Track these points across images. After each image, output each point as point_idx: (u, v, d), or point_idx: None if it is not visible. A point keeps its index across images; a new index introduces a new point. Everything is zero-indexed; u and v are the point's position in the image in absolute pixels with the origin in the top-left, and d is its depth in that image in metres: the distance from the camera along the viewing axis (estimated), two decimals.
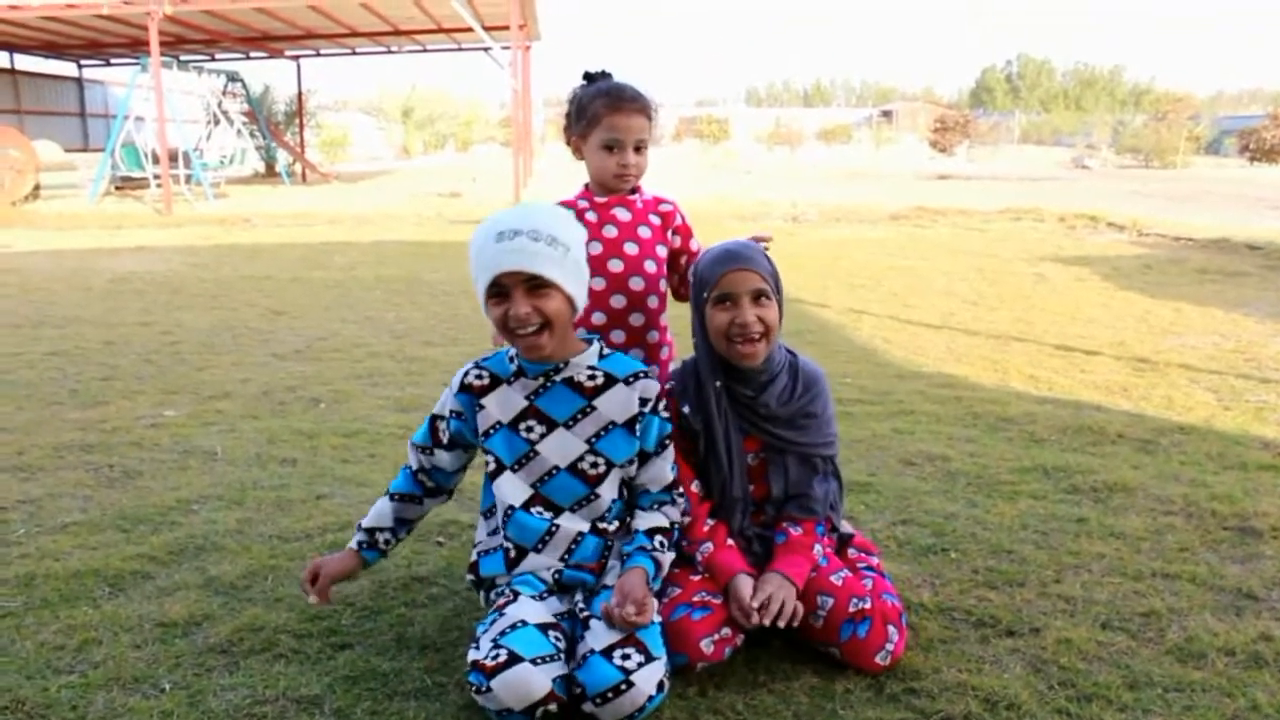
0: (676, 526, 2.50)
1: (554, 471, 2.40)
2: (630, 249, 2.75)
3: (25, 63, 29.09)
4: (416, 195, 20.94)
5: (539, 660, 2.12)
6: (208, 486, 3.74)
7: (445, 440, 2.51)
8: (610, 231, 2.76)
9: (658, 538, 2.43)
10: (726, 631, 2.40)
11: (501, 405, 2.41)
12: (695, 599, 2.43)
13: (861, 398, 4.99)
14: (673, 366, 2.84)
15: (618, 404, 2.39)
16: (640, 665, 2.15)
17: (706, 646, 2.35)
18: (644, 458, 2.44)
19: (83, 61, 30.18)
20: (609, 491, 2.42)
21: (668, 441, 2.46)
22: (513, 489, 2.41)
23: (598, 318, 2.75)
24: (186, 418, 4.68)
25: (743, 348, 2.46)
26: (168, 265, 10.50)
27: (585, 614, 2.30)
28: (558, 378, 2.38)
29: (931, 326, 7.03)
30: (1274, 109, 43.15)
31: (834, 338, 6.63)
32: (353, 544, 2.56)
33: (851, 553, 2.69)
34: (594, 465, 2.40)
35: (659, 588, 2.43)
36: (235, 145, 24.93)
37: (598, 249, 2.74)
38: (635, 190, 2.83)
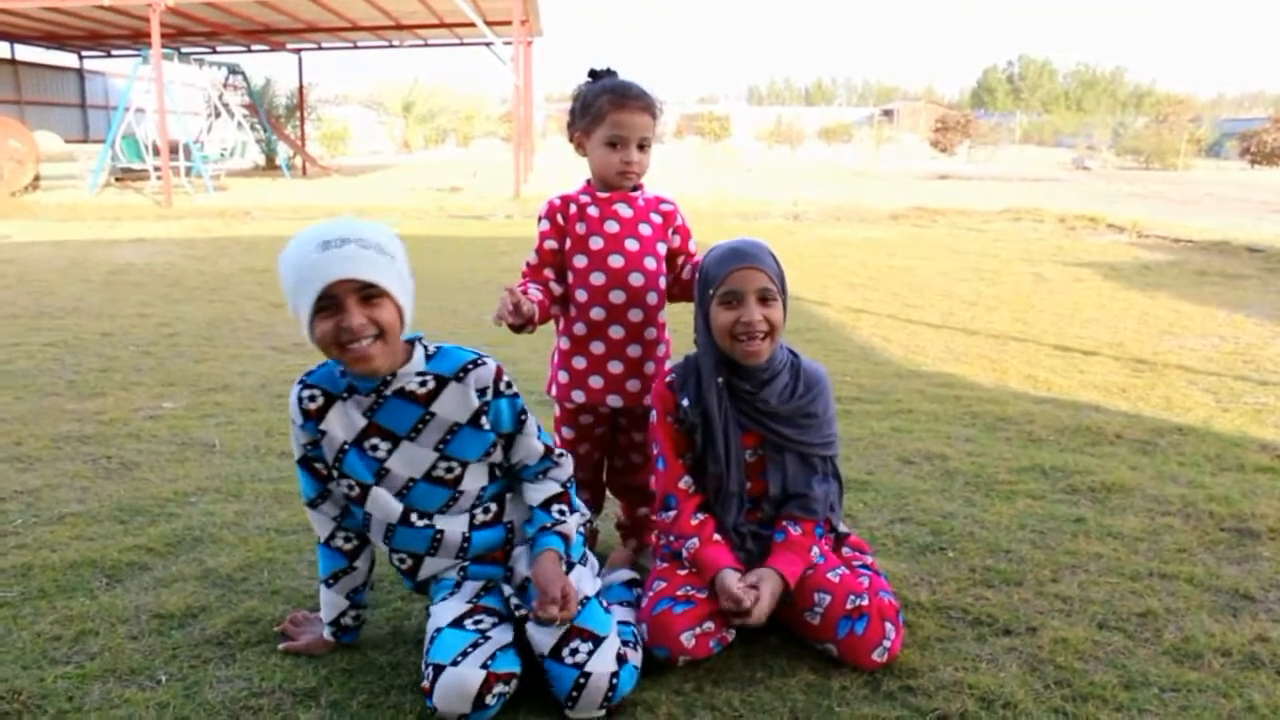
0: (570, 484, 2.46)
1: (410, 484, 2.33)
2: (631, 245, 2.75)
3: (26, 53, 29.12)
4: (416, 189, 20.93)
5: (460, 657, 2.12)
6: (205, 478, 3.74)
7: (324, 471, 2.37)
8: (612, 227, 2.76)
9: (555, 506, 2.39)
10: (710, 625, 2.40)
11: (343, 424, 2.28)
12: (679, 593, 2.44)
13: (860, 396, 4.99)
14: (669, 364, 2.85)
15: (455, 404, 2.29)
16: (590, 653, 2.16)
17: (687, 640, 2.35)
18: (509, 440, 2.38)
19: (84, 52, 30.20)
20: (473, 484, 2.37)
21: (524, 417, 2.38)
22: (384, 506, 2.33)
23: (597, 313, 2.75)
24: (185, 410, 4.68)
25: (747, 346, 2.46)
26: (167, 257, 10.49)
27: (522, 611, 2.30)
28: (388, 391, 2.26)
29: (931, 326, 7.03)
30: (1275, 112, 43.19)
31: (833, 336, 6.62)
32: (327, 635, 2.46)
33: (846, 551, 2.69)
34: (449, 470, 2.33)
35: (584, 553, 2.44)
36: (236, 138, 24.91)
37: (599, 244, 2.74)
38: (637, 188, 2.83)
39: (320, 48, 28.64)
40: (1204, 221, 14.65)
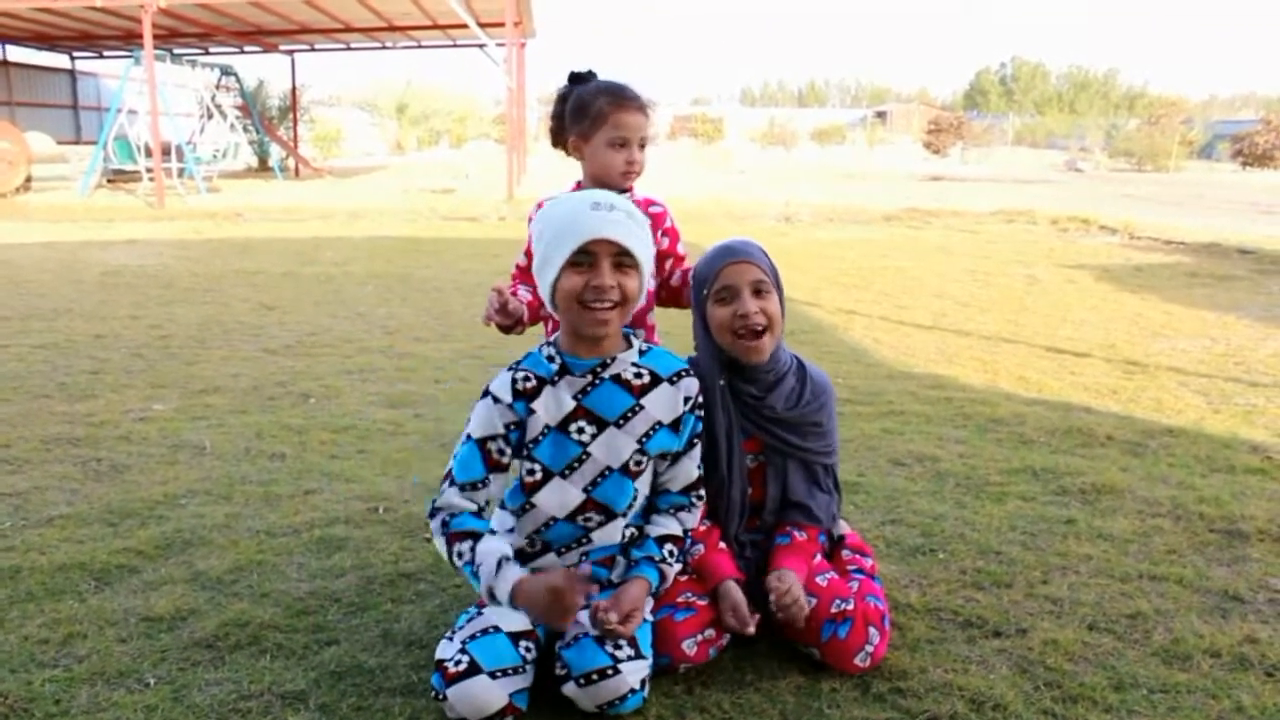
0: (689, 535, 2.47)
1: (606, 473, 2.32)
2: None
3: (17, 54, 29.03)
4: (409, 191, 20.92)
5: (500, 673, 2.11)
6: (196, 481, 3.73)
7: (505, 461, 2.31)
8: None
9: (668, 546, 2.40)
10: (710, 633, 2.40)
11: (549, 408, 2.29)
12: (680, 599, 2.43)
13: (852, 398, 4.99)
14: None
15: (664, 403, 2.34)
16: (630, 658, 2.17)
17: (689, 647, 2.35)
18: (675, 456, 2.41)
19: (75, 53, 30.13)
20: (644, 486, 2.40)
21: (696, 440, 2.43)
22: (560, 498, 2.32)
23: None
24: (175, 412, 4.66)
25: (747, 341, 2.44)
26: (159, 259, 10.47)
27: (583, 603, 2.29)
28: (605, 374, 2.29)
29: (923, 327, 7.03)
30: (1266, 114, 43.31)
31: (826, 338, 6.63)
32: (516, 570, 2.20)
33: (845, 554, 2.68)
34: (638, 463, 2.35)
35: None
36: (228, 139, 24.88)
37: None
38: (627, 190, 2.83)
39: (313, 49, 28.60)
40: (1195, 223, 14.70)
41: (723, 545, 2.53)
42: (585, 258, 2.16)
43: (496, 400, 2.28)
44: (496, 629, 2.20)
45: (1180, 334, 6.80)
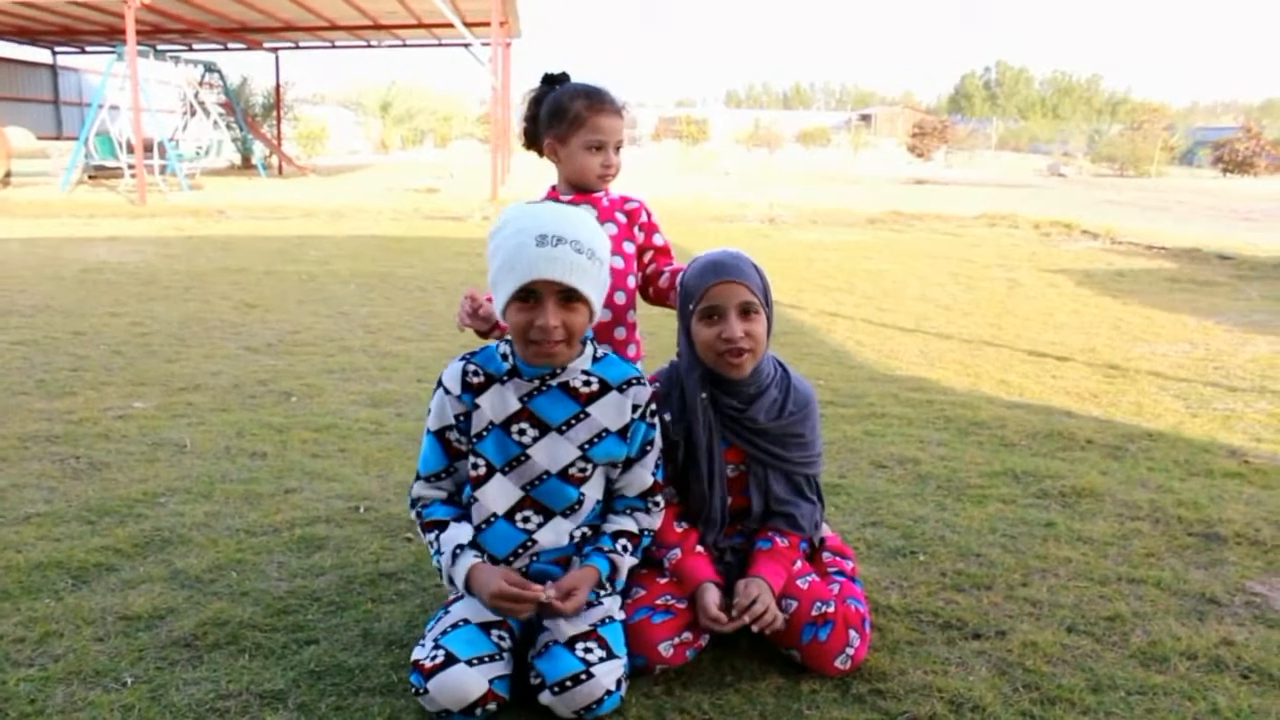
0: (646, 533, 2.46)
1: (544, 476, 2.33)
2: None
3: None
4: (393, 190, 20.86)
5: (476, 661, 2.13)
6: (175, 479, 3.71)
7: (464, 448, 2.36)
8: None
9: (621, 540, 2.39)
10: (687, 635, 2.40)
11: (494, 405, 2.31)
12: (658, 602, 2.42)
13: (833, 400, 5.01)
14: (640, 365, 2.84)
15: (611, 411, 2.33)
16: (601, 660, 2.17)
17: (665, 650, 2.35)
18: (627, 463, 2.40)
19: (57, 48, 29.89)
20: (594, 492, 2.39)
21: (649, 447, 2.42)
22: (499, 494, 2.34)
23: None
24: (155, 410, 4.64)
25: (731, 359, 2.42)
26: (140, 256, 10.41)
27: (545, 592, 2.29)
28: (553, 381, 2.30)
29: (905, 330, 7.06)
30: (1246, 121, 43.67)
31: (808, 340, 6.64)
32: (472, 558, 2.30)
33: (826, 556, 2.69)
34: (582, 470, 2.35)
35: (621, 588, 2.44)
36: (211, 136, 24.75)
37: None
38: (603, 191, 2.84)
39: (298, 47, 28.45)
40: (1176, 229, 14.80)
41: (700, 549, 2.53)
42: (529, 295, 2.15)
43: (447, 391, 2.33)
44: (466, 621, 2.23)
45: (1160, 339, 6.84)
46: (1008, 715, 2.23)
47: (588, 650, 2.18)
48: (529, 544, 2.35)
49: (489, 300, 2.61)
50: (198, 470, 3.81)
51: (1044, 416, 4.75)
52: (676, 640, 2.37)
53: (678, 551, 2.50)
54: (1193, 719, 2.23)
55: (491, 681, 2.13)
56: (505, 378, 2.31)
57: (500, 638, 2.24)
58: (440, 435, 2.36)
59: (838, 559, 2.69)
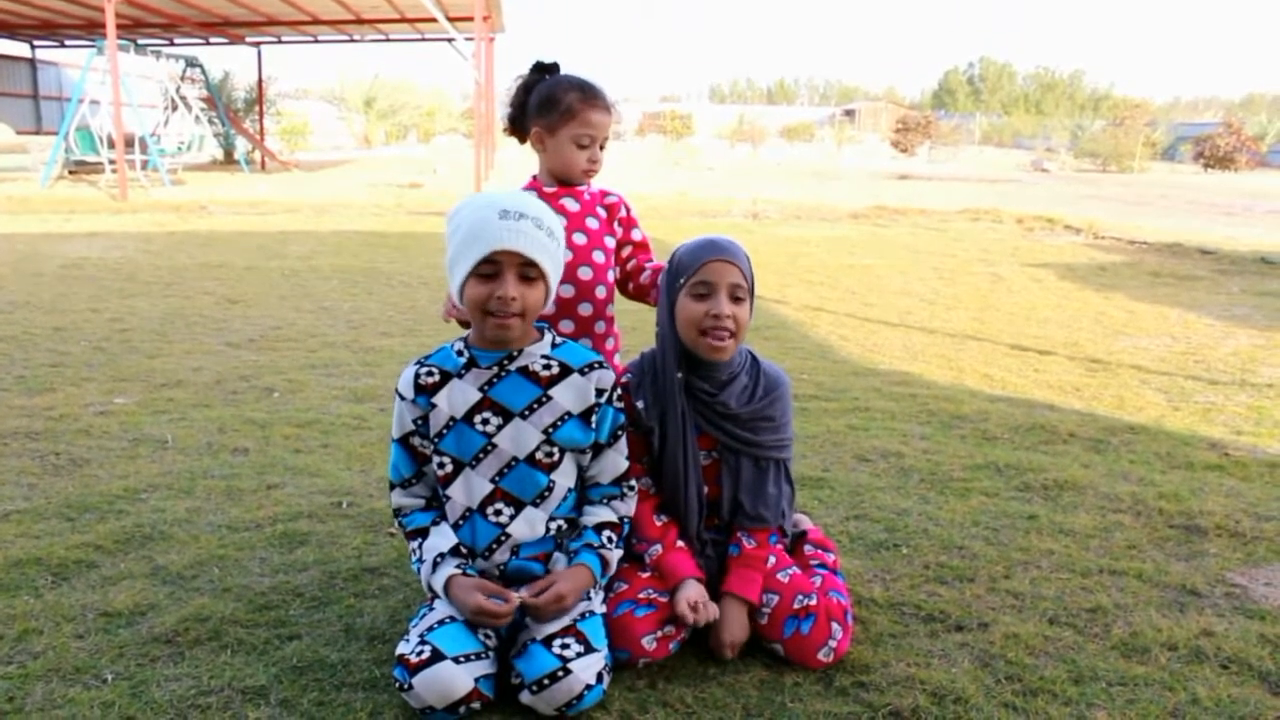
0: (626, 520, 2.47)
1: (512, 464, 2.33)
2: (579, 239, 2.75)
3: None
4: (376, 185, 20.77)
5: (462, 658, 2.13)
6: (157, 475, 3.68)
7: (428, 451, 2.37)
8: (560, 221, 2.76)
9: (606, 533, 2.40)
10: (670, 629, 2.40)
11: (453, 401, 2.32)
12: (640, 596, 2.42)
13: (817, 394, 5.01)
14: (618, 359, 2.84)
15: (573, 394, 2.34)
16: (579, 655, 2.16)
17: (649, 643, 2.35)
18: (598, 449, 2.40)
19: (36, 42, 29.63)
20: (565, 479, 2.38)
21: (620, 432, 2.42)
22: (471, 489, 2.34)
23: (547, 308, 2.74)
24: (137, 406, 4.61)
25: (713, 341, 2.42)
26: (121, 251, 10.34)
27: (522, 591, 2.28)
28: (512, 366, 2.31)
29: (889, 324, 7.07)
30: (1227, 117, 43.93)
31: (792, 334, 6.65)
32: (451, 568, 2.30)
33: (808, 549, 2.69)
34: (549, 454, 2.35)
35: (606, 582, 2.44)
36: (193, 131, 24.57)
37: None
38: (585, 185, 2.84)
39: (280, 41, 28.33)
40: (1158, 224, 14.88)
41: (681, 544, 2.52)
42: (490, 267, 2.19)
43: (402, 398, 2.35)
44: (452, 619, 2.22)
45: (1142, 332, 6.88)
46: (990, 707, 2.23)
47: (565, 646, 2.17)
48: (503, 538, 2.35)
49: None
50: (179, 466, 3.79)
51: (1026, 410, 4.77)
52: (659, 633, 2.37)
53: (659, 547, 2.49)
54: (1173, 709, 2.24)
55: (477, 680, 2.12)
56: (462, 371, 2.33)
57: (486, 635, 2.23)
58: (404, 442, 2.38)
59: (820, 552, 2.69)
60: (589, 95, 2.70)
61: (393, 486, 2.43)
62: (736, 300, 2.43)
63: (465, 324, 2.59)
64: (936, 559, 3.05)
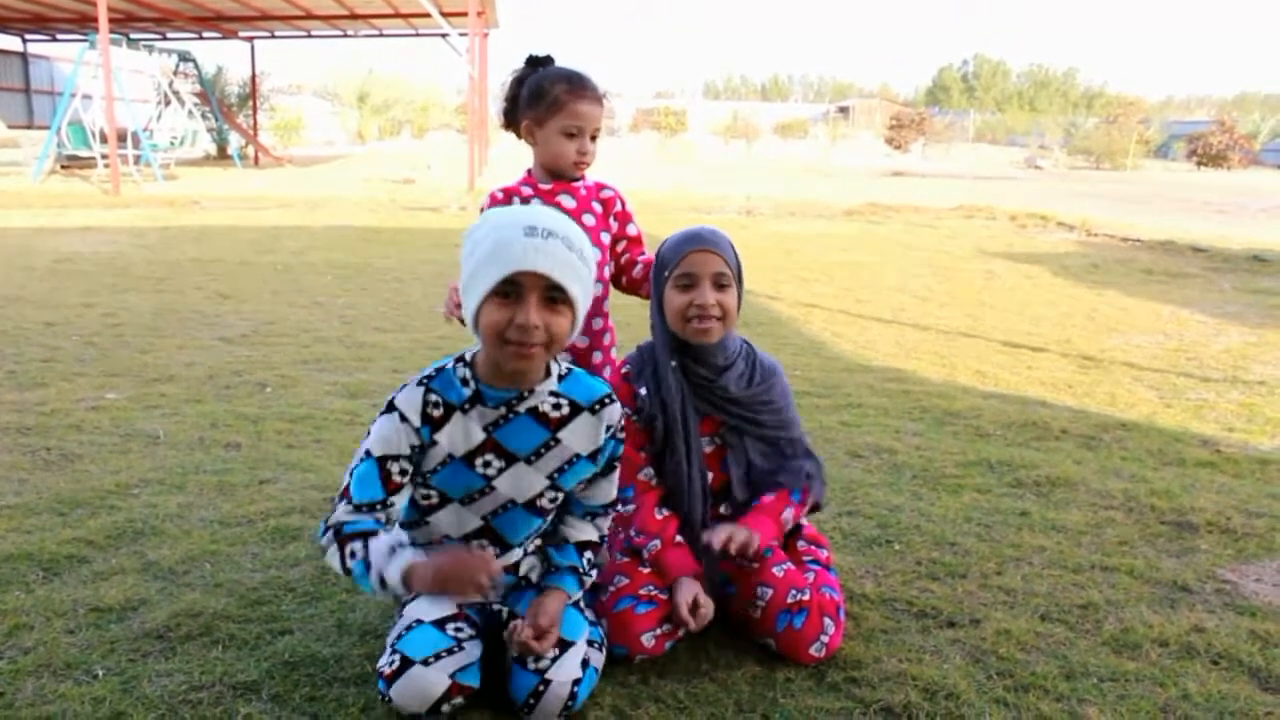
0: (604, 538, 2.41)
1: (508, 506, 2.20)
2: None
3: None
4: (370, 180, 20.75)
5: (432, 658, 2.06)
6: (149, 470, 3.67)
7: (404, 483, 2.11)
8: None
9: (587, 554, 2.33)
10: (669, 627, 2.40)
11: (454, 439, 2.10)
12: (641, 592, 2.42)
13: (810, 390, 5.01)
14: (614, 353, 2.84)
15: (583, 435, 2.18)
16: (554, 660, 2.13)
17: (647, 640, 2.35)
18: (592, 479, 2.29)
19: (28, 36, 29.54)
20: (553, 514, 2.32)
21: (616, 462, 2.32)
22: (457, 521, 2.22)
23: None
24: (128, 401, 4.60)
25: (698, 325, 2.44)
26: (113, 246, 10.31)
27: (506, 613, 2.26)
28: (521, 408, 2.12)
29: (882, 321, 7.08)
30: (1220, 115, 44.03)
31: (785, 330, 6.65)
32: (410, 555, 2.00)
33: (801, 545, 2.69)
34: (553, 499, 2.24)
35: (602, 580, 2.43)
36: (186, 126, 24.56)
37: None
38: (579, 179, 2.83)
39: (274, 36, 28.25)
40: (1151, 221, 14.90)
41: (680, 539, 2.52)
42: (511, 288, 1.92)
43: (404, 419, 2.08)
44: (420, 621, 2.14)
45: (1134, 330, 6.89)
46: (981, 703, 2.24)
47: (539, 659, 2.13)
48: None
49: None
50: (171, 461, 3.78)
51: (1019, 406, 4.77)
52: (659, 631, 2.38)
53: (658, 543, 2.49)
54: (1164, 705, 2.25)
55: (455, 674, 2.07)
56: (467, 406, 2.10)
57: (458, 629, 2.16)
58: (383, 463, 2.08)
59: (813, 548, 2.69)
60: (576, 86, 2.69)
61: (349, 502, 2.08)
62: (722, 287, 2.45)
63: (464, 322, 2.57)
64: (928, 555, 3.05)
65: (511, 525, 2.23)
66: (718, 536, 2.37)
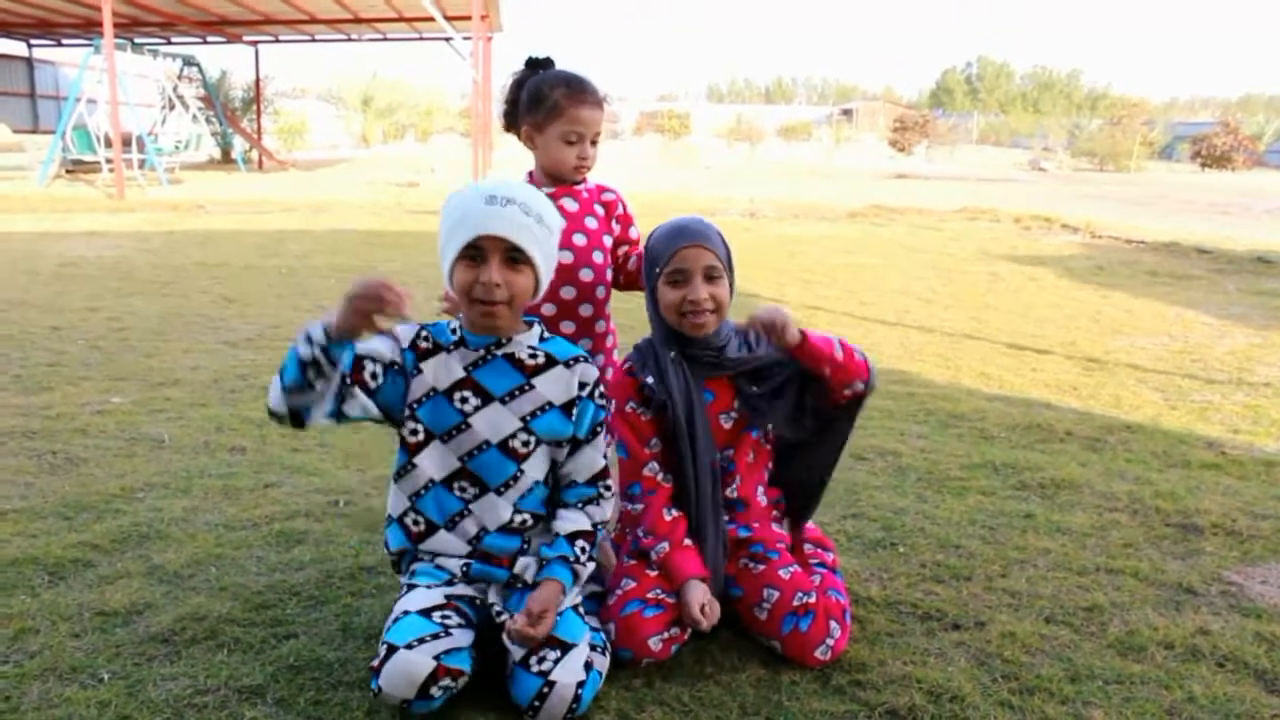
0: (600, 527, 2.44)
1: (484, 446, 2.32)
2: (579, 240, 2.74)
3: None
4: (374, 184, 20.77)
5: (416, 643, 2.09)
6: (154, 474, 3.68)
7: (367, 382, 2.23)
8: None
9: (579, 543, 2.36)
10: (675, 630, 2.40)
11: (437, 372, 2.32)
12: (649, 596, 2.42)
13: None
14: (616, 354, 2.85)
15: (556, 385, 2.34)
16: (556, 662, 2.15)
17: (654, 644, 2.35)
18: (575, 444, 2.38)
19: (33, 41, 29.61)
20: (534, 471, 2.36)
21: (599, 429, 2.40)
22: (436, 461, 2.33)
23: (548, 309, 2.73)
24: (134, 405, 4.60)
25: (694, 319, 2.46)
26: (118, 250, 10.32)
27: (502, 617, 2.26)
28: (499, 352, 2.32)
29: (886, 323, 7.08)
30: (1224, 116, 43.99)
31: None
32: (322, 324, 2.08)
33: (807, 548, 2.69)
34: (525, 444, 2.34)
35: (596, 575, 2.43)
36: (191, 130, 24.58)
37: None
38: (580, 180, 2.83)
39: (278, 40, 28.31)
40: (1155, 223, 14.89)
41: (688, 541, 2.51)
42: (475, 252, 2.18)
43: (395, 339, 2.31)
44: (406, 613, 2.19)
45: (1139, 331, 6.89)
46: (986, 705, 2.24)
47: (542, 660, 2.16)
48: (466, 512, 2.34)
49: None
50: (176, 465, 3.79)
51: (1023, 409, 4.77)
52: (665, 635, 2.38)
53: (666, 545, 2.49)
54: (1169, 707, 2.25)
55: (441, 656, 2.08)
56: (451, 348, 2.33)
57: (444, 616, 2.20)
58: (359, 357, 2.22)
59: (819, 550, 2.69)
60: (575, 90, 2.67)
61: (287, 387, 2.10)
62: (713, 280, 2.47)
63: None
64: (933, 558, 3.05)
65: (487, 468, 2.34)
66: (754, 317, 2.41)
